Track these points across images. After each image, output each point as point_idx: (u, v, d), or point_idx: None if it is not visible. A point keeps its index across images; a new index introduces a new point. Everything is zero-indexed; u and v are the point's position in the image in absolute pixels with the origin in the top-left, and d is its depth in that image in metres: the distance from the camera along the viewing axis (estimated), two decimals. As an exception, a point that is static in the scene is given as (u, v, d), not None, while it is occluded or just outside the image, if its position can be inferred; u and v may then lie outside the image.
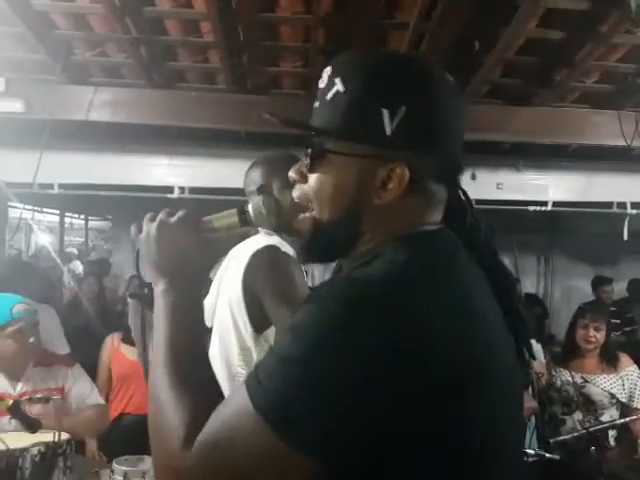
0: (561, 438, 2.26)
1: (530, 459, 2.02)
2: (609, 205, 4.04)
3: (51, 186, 3.77)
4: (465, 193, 0.78)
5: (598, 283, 5.14)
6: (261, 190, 1.46)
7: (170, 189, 3.90)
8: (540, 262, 6.63)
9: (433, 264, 0.66)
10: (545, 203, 4.05)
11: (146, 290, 2.75)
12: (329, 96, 0.71)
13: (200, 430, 0.61)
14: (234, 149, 3.90)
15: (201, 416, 0.62)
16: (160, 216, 0.78)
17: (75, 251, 9.11)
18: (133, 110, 3.36)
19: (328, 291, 0.63)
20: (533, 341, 2.80)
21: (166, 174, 3.94)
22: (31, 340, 2.13)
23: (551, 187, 4.05)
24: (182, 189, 3.90)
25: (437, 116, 0.70)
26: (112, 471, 1.76)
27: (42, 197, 4.22)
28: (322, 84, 0.72)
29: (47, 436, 1.78)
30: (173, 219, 0.77)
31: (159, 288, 0.76)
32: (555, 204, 4.06)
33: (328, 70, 0.72)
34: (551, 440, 2.19)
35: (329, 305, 0.60)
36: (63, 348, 3.08)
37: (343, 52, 0.74)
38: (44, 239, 8.19)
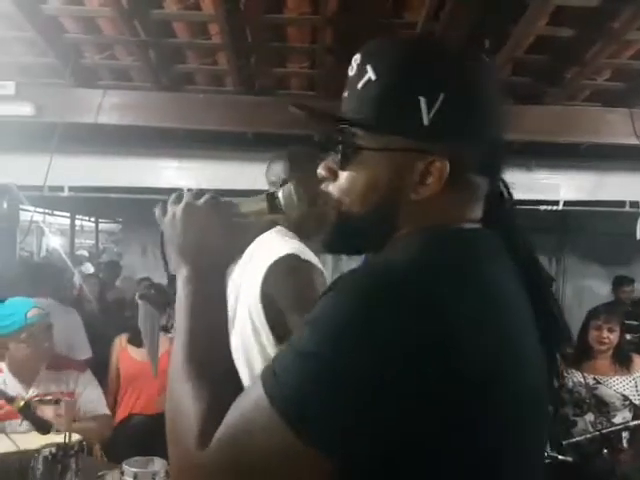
0: (574, 440, 2.23)
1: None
2: (621, 204, 4.00)
3: (61, 189, 3.80)
4: (507, 187, 0.74)
5: (619, 283, 5.07)
6: (282, 184, 1.42)
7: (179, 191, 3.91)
8: (551, 262, 6.58)
9: (462, 259, 0.62)
10: (556, 202, 4.01)
11: (153, 291, 2.74)
12: (360, 85, 0.66)
13: (217, 426, 0.59)
14: (242, 151, 3.91)
15: (219, 411, 0.59)
16: (187, 197, 0.74)
17: (86, 253, 9.17)
18: (141, 113, 3.37)
19: (347, 281, 0.60)
20: None
21: (175, 176, 3.95)
22: (45, 345, 2.15)
23: (562, 186, 4.01)
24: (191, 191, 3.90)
25: (477, 103, 0.65)
26: (122, 472, 1.76)
27: (53, 200, 4.25)
28: (352, 72, 0.67)
29: (58, 438, 1.79)
30: (201, 201, 0.74)
31: (182, 274, 0.72)
32: (567, 203, 4.03)
33: (358, 57, 0.67)
34: (564, 442, 2.17)
35: (346, 296, 0.57)
36: (85, 352, 3.09)
37: (373, 40, 0.68)
38: (55, 241, 8.23)
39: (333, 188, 0.70)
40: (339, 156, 0.68)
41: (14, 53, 3.03)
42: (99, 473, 1.84)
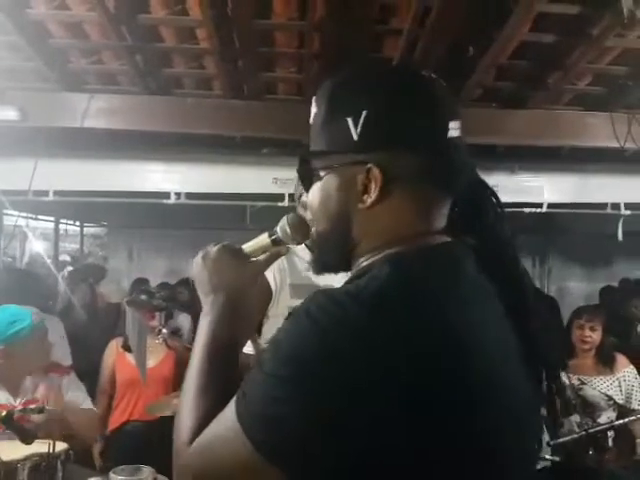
0: (561, 440, 2.26)
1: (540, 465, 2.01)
2: (603, 206, 4.07)
3: (46, 193, 3.77)
4: (483, 197, 0.76)
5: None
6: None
7: (166, 195, 3.91)
8: (535, 263, 6.66)
9: (415, 285, 0.65)
10: (540, 205, 4.07)
11: (144, 297, 2.71)
12: (311, 120, 0.78)
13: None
14: (230, 154, 3.91)
15: (207, 421, 0.67)
16: (206, 248, 0.89)
17: (68, 258, 9.05)
18: (129, 117, 3.36)
19: (302, 304, 0.65)
20: None
21: (162, 180, 3.95)
22: (46, 347, 2.14)
23: (546, 189, 4.08)
24: (178, 195, 3.90)
25: (402, 114, 0.71)
26: (109, 482, 1.75)
27: (37, 204, 4.21)
28: (310, 112, 0.79)
29: (43, 447, 1.76)
30: (213, 249, 0.87)
31: (207, 302, 0.83)
32: (550, 205, 4.09)
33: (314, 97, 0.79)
34: (551, 442, 2.20)
35: (301, 320, 0.63)
36: (66, 360, 3.09)
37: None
38: (38, 246, 8.12)
39: (307, 212, 0.81)
40: (301, 181, 0.80)
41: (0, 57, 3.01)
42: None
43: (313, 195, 0.78)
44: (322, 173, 0.76)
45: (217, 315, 0.81)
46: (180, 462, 0.68)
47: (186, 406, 0.72)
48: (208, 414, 0.68)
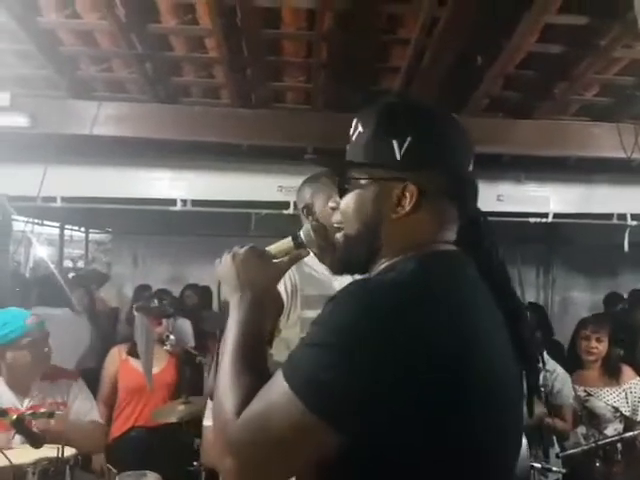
0: (569, 452, 2.25)
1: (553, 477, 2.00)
2: (609, 217, 4.07)
3: (54, 199, 3.79)
4: (481, 218, 0.89)
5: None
6: (306, 208, 1.58)
7: (173, 202, 3.93)
8: (539, 273, 6.64)
9: (433, 280, 0.77)
10: (546, 215, 4.08)
11: (153, 303, 2.72)
12: (354, 137, 0.89)
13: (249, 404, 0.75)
14: (236, 162, 3.93)
15: (250, 397, 0.75)
16: (233, 249, 1.00)
17: (70, 264, 9.06)
18: (137, 124, 3.38)
19: (342, 290, 0.76)
20: (560, 369, 2.77)
21: (169, 187, 3.97)
22: (44, 353, 2.15)
23: (552, 199, 4.08)
24: (184, 202, 3.92)
25: (438, 143, 0.85)
26: (116, 487, 1.75)
27: (43, 210, 4.23)
28: (351, 131, 0.90)
29: (52, 451, 1.77)
30: (241, 250, 0.98)
31: (236, 298, 0.93)
32: (556, 216, 4.09)
33: (354, 120, 0.90)
34: (559, 454, 2.19)
35: (341, 302, 0.74)
36: (89, 362, 3.20)
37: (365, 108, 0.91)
38: (43, 252, 8.14)
39: (336, 215, 0.92)
40: (338, 188, 0.90)
41: (10, 65, 3.03)
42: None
43: (348, 201, 0.88)
44: (362, 182, 0.86)
45: (245, 310, 0.90)
46: (228, 436, 0.74)
47: (226, 389, 0.79)
48: (251, 390, 0.75)
